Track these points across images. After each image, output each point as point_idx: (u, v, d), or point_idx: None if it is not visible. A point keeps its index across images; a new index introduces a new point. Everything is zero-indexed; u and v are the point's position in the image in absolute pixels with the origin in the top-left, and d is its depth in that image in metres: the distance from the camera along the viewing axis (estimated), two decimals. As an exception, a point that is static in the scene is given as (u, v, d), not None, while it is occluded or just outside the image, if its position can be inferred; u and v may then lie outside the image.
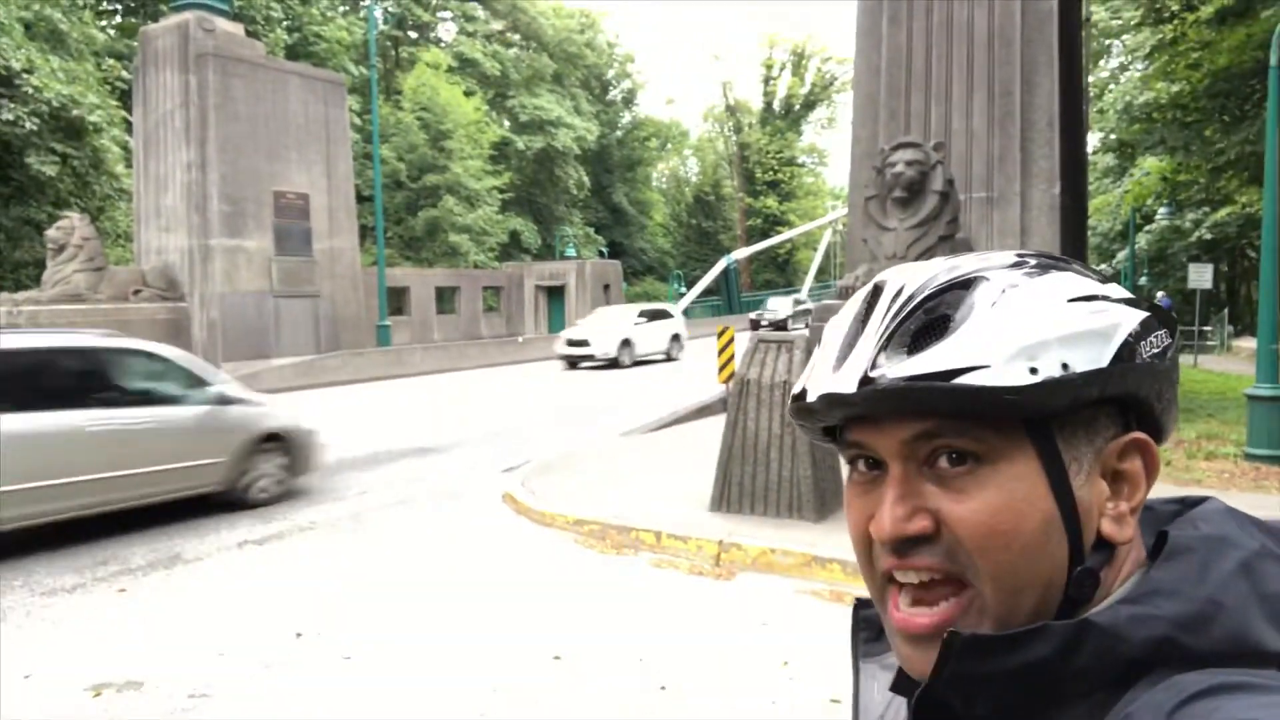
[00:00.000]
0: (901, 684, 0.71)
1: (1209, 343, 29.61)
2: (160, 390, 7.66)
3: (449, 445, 11.86)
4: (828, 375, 0.64)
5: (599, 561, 6.69)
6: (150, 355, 7.80)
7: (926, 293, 0.62)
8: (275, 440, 8.45)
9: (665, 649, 4.92)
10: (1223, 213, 27.93)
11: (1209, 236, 30.04)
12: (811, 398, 0.65)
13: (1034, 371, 0.58)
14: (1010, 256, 0.65)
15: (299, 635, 5.18)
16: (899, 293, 0.64)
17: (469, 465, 10.44)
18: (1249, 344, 22.56)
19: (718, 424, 8.39)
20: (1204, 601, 0.57)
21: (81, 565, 6.62)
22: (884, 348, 0.62)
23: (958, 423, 0.60)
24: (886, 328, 0.62)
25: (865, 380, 0.61)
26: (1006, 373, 0.58)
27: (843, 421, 0.66)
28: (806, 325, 21.10)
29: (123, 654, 4.92)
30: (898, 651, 0.65)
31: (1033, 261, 0.64)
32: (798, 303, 39.05)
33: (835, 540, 6.50)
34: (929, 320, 0.61)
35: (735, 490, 7.44)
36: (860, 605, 0.78)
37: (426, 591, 5.98)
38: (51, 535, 7.29)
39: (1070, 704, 0.58)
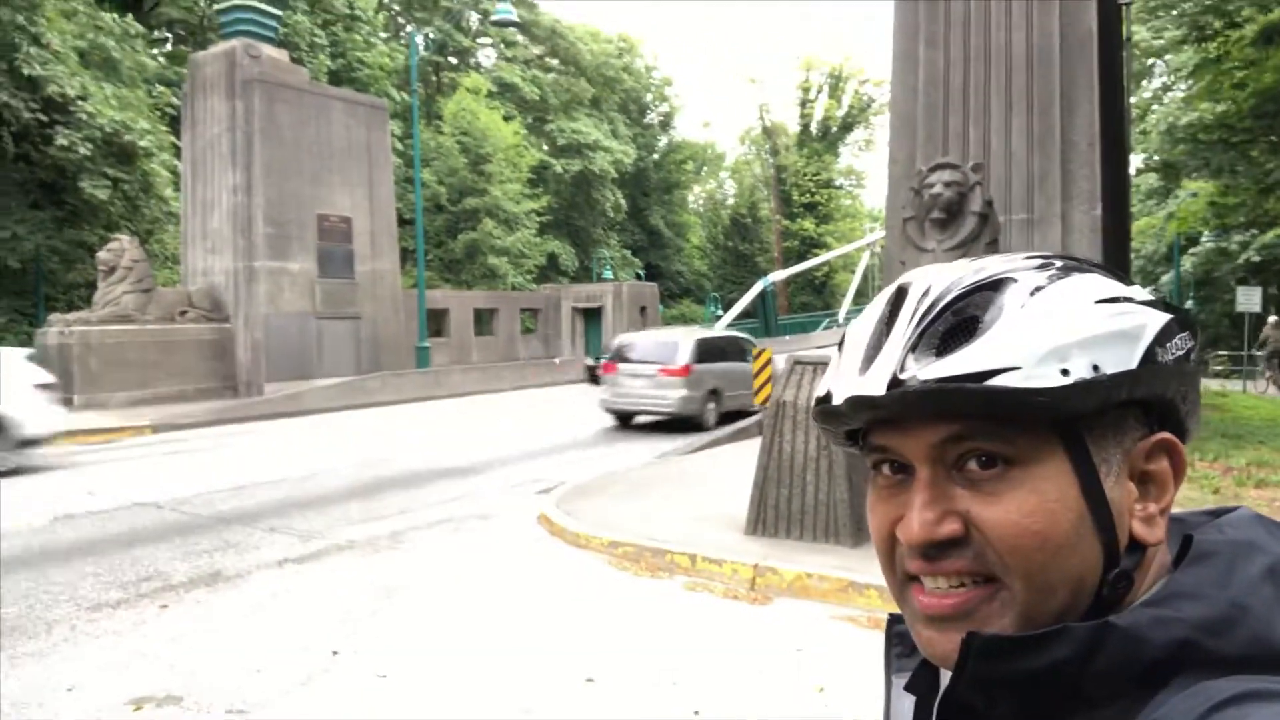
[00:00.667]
0: (916, 683, 0.72)
1: (1258, 367, 28.94)
2: None
3: (486, 466, 11.92)
4: (854, 377, 0.64)
5: (633, 584, 6.67)
6: None
7: (954, 294, 0.62)
8: None
9: (699, 673, 4.89)
10: (1271, 234, 27.36)
11: (1257, 259, 29.42)
12: (838, 400, 0.64)
13: (1065, 373, 0.57)
14: (1035, 259, 0.65)
15: (335, 653, 5.23)
16: (925, 294, 0.63)
17: (505, 486, 10.49)
18: (1300, 368, 21.97)
19: (754, 447, 8.36)
20: (1228, 605, 0.56)
21: (125, 581, 6.74)
22: (912, 349, 0.61)
23: (988, 425, 0.59)
24: (914, 329, 0.62)
25: (895, 382, 0.60)
26: (1038, 374, 0.57)
27: (868, 424, 0.65)
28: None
29: (163, 669, 5.00)
30: (918, 636, 0.64)
31: (1058, 263, 0.64)
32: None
33: (872, 565, 6.42)
34: (958, 322, 0.61)
35: (771, 513, 7.39)
36: (894, 620, 0.77)
37: (461, 611, 6.00)
38: (103, 548, 7.44)
39: (1094, 707, 0.57)
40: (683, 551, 7.00)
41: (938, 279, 0.64)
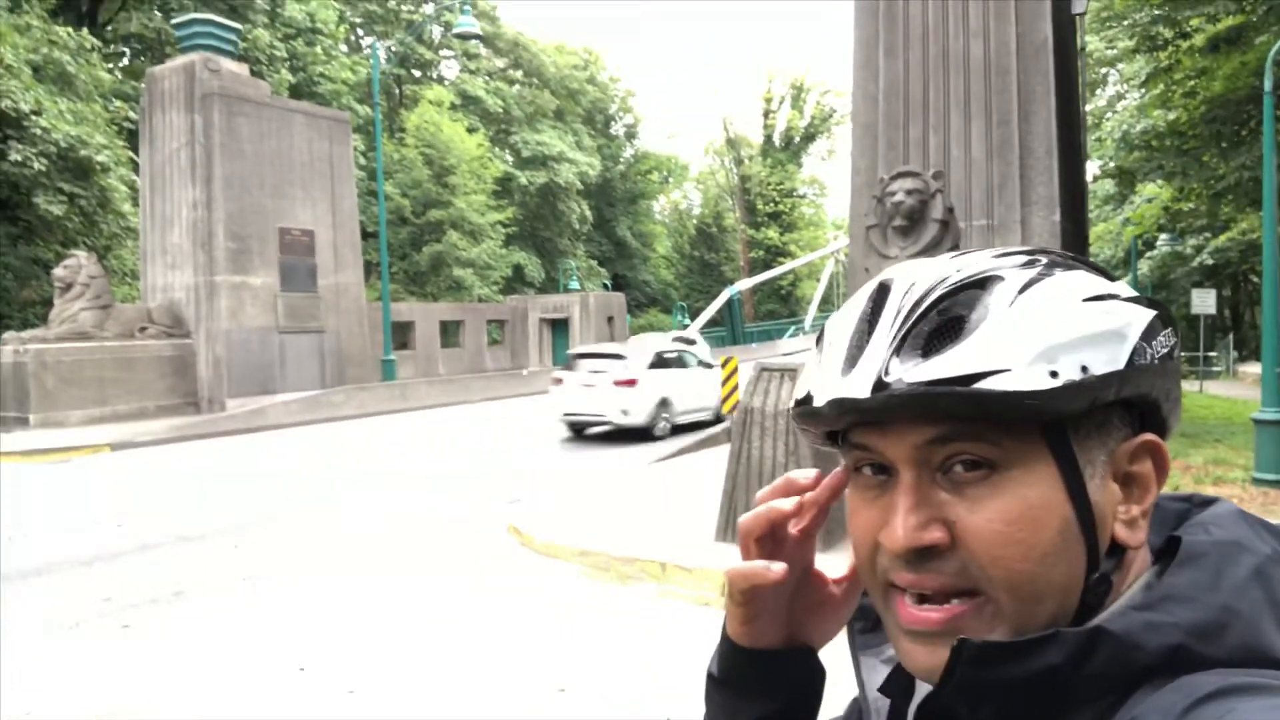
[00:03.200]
0: (890, 686, 0.70)
1: (1214, 368, 29.55)
2: None
3: (454, 477, 11.84)
4: (836, 378, 0.61)
5: (604, 593, 6.65)
6: None
7: (939, 293, 0.60)
8: None
9: (671, 681, 4.88)
10: (1224, 238, 28.00)
11: (1211, 262, 30.08)
12: (819, 402, 0.62)
13: (1054, 375, 0.56)
14: (1020, 254, 0.62)
15: (302, 669, 5.15)
16: (909, 291, 0.61)
17: (474, 497, 10.42)
18: (1254, 369, 22.51)
19: (722, 454, 8.39)
20: (1219, 609, 0.55)
21: (85, 600, 6.59)
22: (897, 350, 0.59)
23: (974, 427, 0.58)
24: (898, 329, 0.59)
25: (879, 385, 0.58)
26: (1028, 376, 0.55)
27: (849, 425, 0.63)
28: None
29: (125, 689, 4.89)
30: (899, 647, 0.62)
31: (1044, 260, 0.62)
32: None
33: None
34: (943, 321, 0.59)
35: (740, 519, 7.40)
36: None
37: (430, 623, 5.95)
38: (60, 568, 7.28)
39: (1076, 709, 0.56)
40: (653, 559, 6.99)
41: (922, 276, 0.62)
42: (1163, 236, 32.00)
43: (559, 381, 15.24)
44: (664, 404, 14.75)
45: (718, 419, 15.54)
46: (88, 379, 18.08)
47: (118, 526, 9.07)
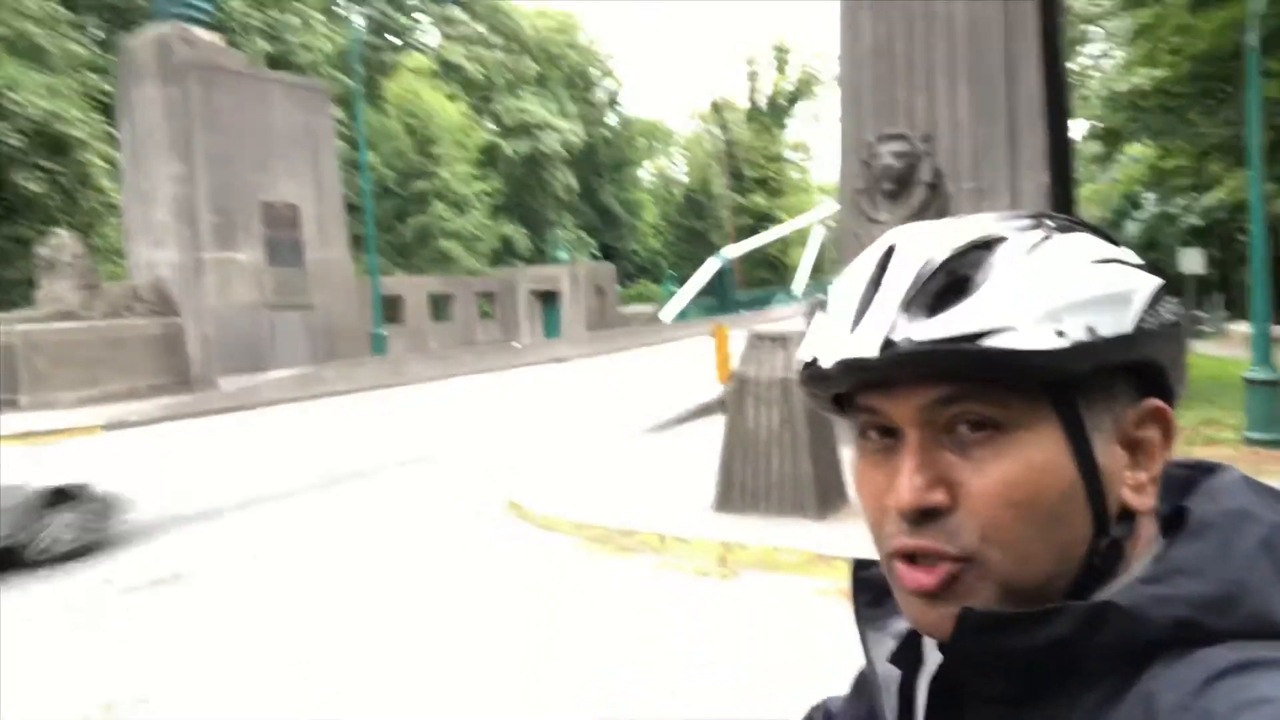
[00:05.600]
0: (900, 657, 0.71)
1: (1204, 329, 29.72)
2: None
3: (450, 452, 11.85)
4: (843, 339, 0.61)
5: (603, 565, 6.70)
6: None
7: (946, 254, 0.60)
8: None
9: (672, 652, 4.93)
10: (1212, 197, 28.04)
11: (1199, 222, 30.13)
12: (826, 364, 0.61)
13: (1061, 335, 0.56)
14: (1027, 217, 0.62)
15: (305, 649, 5.18)
16: (916, 253, 0.61)
17: (471, 471, 10.44)
18: (1243, 328, 22.64)
19: (718, 424, 8.42)
20: (1228, 582, 0.55)
21: (88, 583, 6.60)
22: (904, 310, 0.59)
23: (980, 387, 0.58)
24: (906, 289, 0.60)
25: (887, 344, 0.58)
26: (1034, 336, 0.56)
27: (855, 387, 0.63)
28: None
29: (130, 671, 4.92)
30: (908, 610, 0.63)
31: (1051, 222, 0.62)
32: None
33: (839, 537, 6.52)
34: (950, 281, 0.59)
35: (737, 490, 7.45)
36: (859, 566, 0.76)
37: (431, 600, 5.98)
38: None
39: (1087, 683, 0.56)
40: (651, 531, 7.04)
41: (927, 237, 0.62)
42: (1149, 196, 32.03)
43: None
44: None
45: None
46: (78, 360, 17.97)
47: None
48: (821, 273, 51.34)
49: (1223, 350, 23.44)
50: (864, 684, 0.81)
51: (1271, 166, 15.92)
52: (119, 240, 24.84)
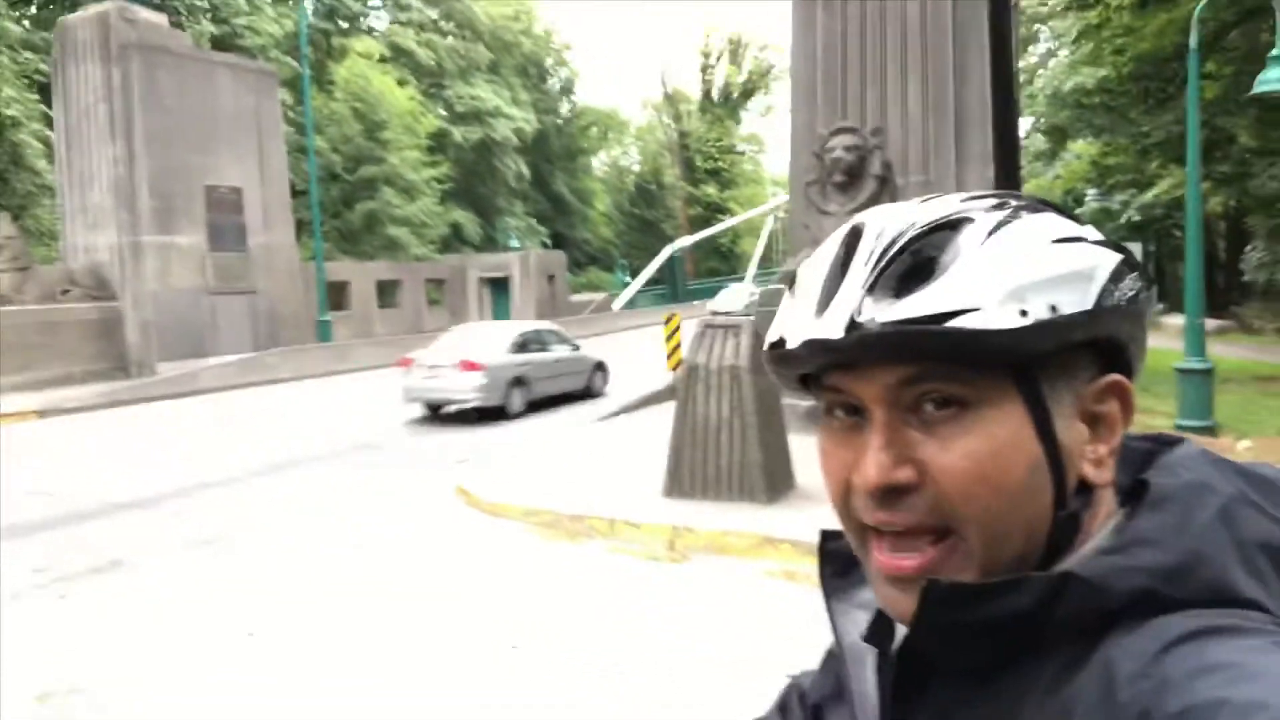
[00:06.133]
0: (874, 634, 0.71)
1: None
2: None
3: (397, 439, 11.73)
4: (810, 320, 0.61)
5: (553, 550, 6.69)
6: None
7: (911, 234, 0.60)
8: None
9: (622, 633, 4.95)
10: (1150, 194, 28.77)
11: (1137, 218, 30.90)
12: (793, 344, 0.62)
13: (1024, 314, 0.56)
14: (991, 198, 0.63)
15: (251, 635, 5.10)
16: (881, 234, 0.61)
17: (419, 459, 10.34)
18: (1177, 320, 23.28)
19: (668, 411, 8.44)
20: (1186, 552, 0.56)
21: (21, 571, 6.41)
22: (870, 291, 0.59)
23: (945, 367, 0.58)
24: (871, 270, 0.60)
25: (853, 325, 0.59)
26: (998, 315, 0.56)
27: (821, 368, 0.63)
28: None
29: (66, 660, 4.79)
30: (880, 594, 0.63)
31: (1014, 202, 0.63)
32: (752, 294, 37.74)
33: (786, 520, 6.59)
34: (915, 262, 0.59)
35: (687, 475, 7.49)
36: (826, 537, 0.76)
37: (379, 586, 5.92)
38: (-16, 544, 7.06)
39: (1047, 652, 0.57)
40: (601, 516, 7.04)
41: (893, 219, 0.62)
42: (1090, 192, 32.76)
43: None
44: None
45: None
46: (9, 345, 17.38)
47: (50, 495, 8.82)
48: (771, 264, 51.73)
49: (1157, 341, 24.05)
50: (831, 657, 0.81)
51: (1208, 165, 16.40)
52: (53, 223, 24.11)
